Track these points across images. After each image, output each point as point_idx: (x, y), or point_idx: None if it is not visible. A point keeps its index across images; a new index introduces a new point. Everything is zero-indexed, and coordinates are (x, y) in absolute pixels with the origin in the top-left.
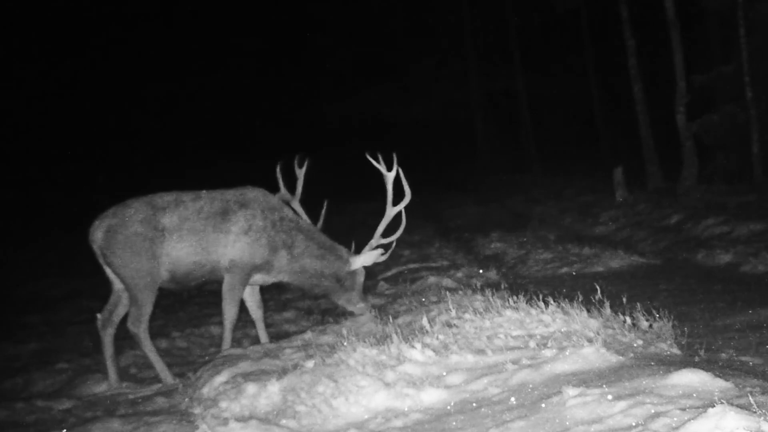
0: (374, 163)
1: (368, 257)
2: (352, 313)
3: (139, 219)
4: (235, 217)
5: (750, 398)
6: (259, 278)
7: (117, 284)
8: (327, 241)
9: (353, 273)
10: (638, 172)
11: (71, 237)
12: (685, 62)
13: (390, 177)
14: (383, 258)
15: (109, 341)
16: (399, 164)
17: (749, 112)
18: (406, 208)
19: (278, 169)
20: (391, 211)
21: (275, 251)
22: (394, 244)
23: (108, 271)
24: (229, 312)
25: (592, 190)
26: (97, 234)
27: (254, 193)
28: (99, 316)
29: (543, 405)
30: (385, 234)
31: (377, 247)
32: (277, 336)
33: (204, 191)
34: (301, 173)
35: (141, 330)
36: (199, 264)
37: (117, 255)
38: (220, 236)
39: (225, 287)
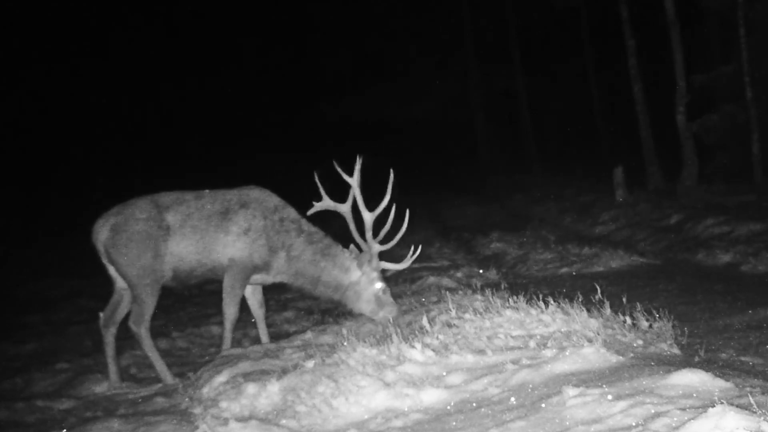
0: (338, 169)
1: (361, 263)
2: (354, 314)
3: (144, 217)
4: (236, 217)
5: (750, 398)
6: (259, 278)
7: (119, 283)
8: (329, 247)
9: (358, 283)
10: (638, 172)
11: (71, 237)
12: (685, 62)
13: (353, 182)
14: (404, 265)
15: (110, 340)
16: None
17: (749, 112)
18: (408, 208)
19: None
20: (368, 219)
21: (274, 252)
22: (419, 249)
23: (110, 269)
24: (230, 311)
25: (592, 190)
26: (102, 232)
27: (256, 193)
28: (101, 314)
29: (543, 405)
30: (386, 239)
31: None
32: (277, 336)
33: (207, 190)
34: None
35: (143, 329)
36: (201, 262)
37: (122, 253)
38: (221, 235)
39: (225, 286)
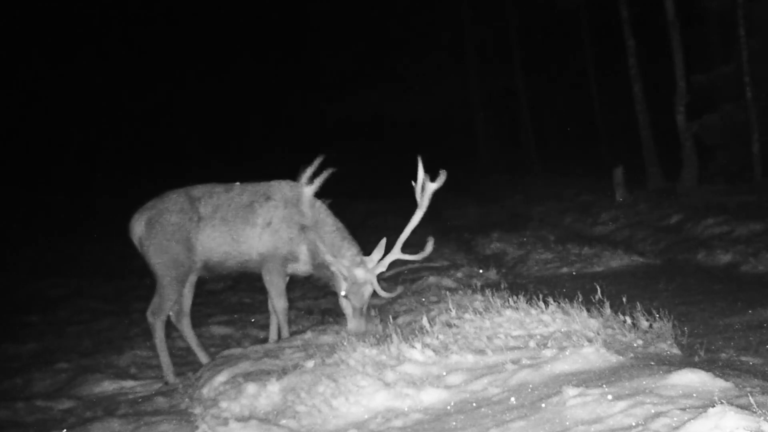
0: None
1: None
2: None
3: (177, 209)
4: (261, 210)
5: (750, 398)
6: (290, 268)
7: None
8: (341, 240)
9: (334, 282)
10: (638, 172)
11: (71, 237)
12: (685, 62)
13: (308, 192)
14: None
15: (189, 332)
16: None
17: (749, 112)
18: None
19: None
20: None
21: (297, 243)
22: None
23: None
24: (279, 304)
25: (592, 190)
26: (137, 227)
27: (282, 186)
28: (171, 314)
29: (543, 405)
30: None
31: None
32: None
33: (237, 183)
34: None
35: (159, 321)
36: (230, 255)
37: (154, 245)
38: (248, 229)
39: (266, 282)
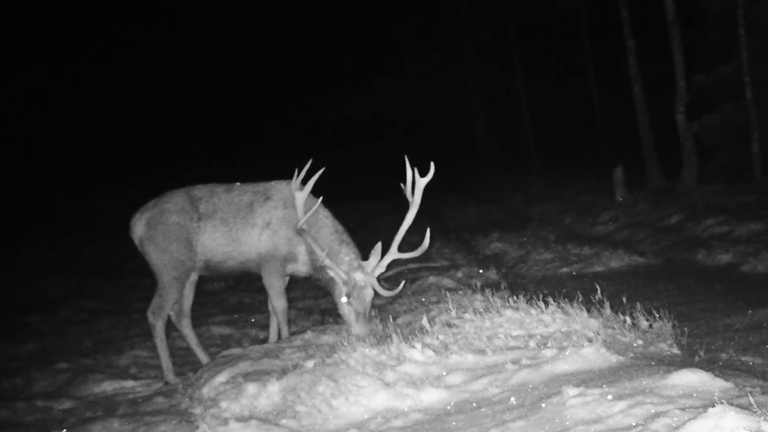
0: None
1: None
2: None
3: (178, 209)
4: (260, 210)
5: (750, 398)
6: (290, 269)
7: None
8: (339, 243)
9: (332, 288)
10: (638, 172)
11: (71, 237)
12: (685, 62)
13: (299, 196)
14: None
15: (189, 332)
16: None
17: (749, 112)
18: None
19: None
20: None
21: (297, 243)
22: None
23: None
24: (278, 304)
25: (592, 190)
26: (138, 226)
27: (280, 186)
28: (171, 314)
29: (543, 405)
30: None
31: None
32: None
33: (238, 183)
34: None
35: (159, 321)
36: (230, 255)
37: (155, 244)
38: (247, 229)
39: (265, 283)
